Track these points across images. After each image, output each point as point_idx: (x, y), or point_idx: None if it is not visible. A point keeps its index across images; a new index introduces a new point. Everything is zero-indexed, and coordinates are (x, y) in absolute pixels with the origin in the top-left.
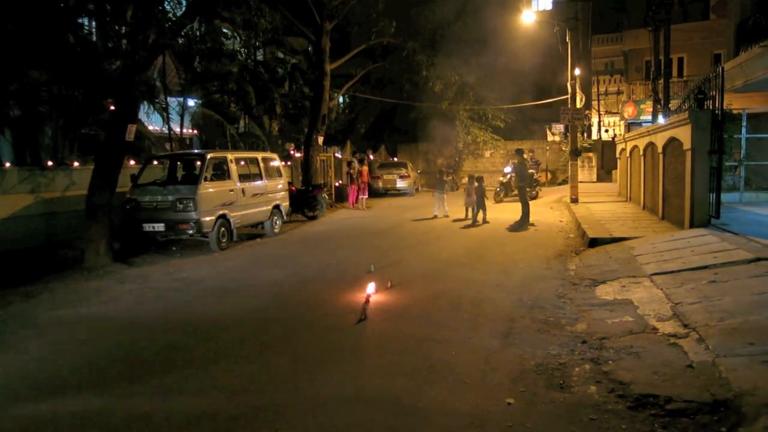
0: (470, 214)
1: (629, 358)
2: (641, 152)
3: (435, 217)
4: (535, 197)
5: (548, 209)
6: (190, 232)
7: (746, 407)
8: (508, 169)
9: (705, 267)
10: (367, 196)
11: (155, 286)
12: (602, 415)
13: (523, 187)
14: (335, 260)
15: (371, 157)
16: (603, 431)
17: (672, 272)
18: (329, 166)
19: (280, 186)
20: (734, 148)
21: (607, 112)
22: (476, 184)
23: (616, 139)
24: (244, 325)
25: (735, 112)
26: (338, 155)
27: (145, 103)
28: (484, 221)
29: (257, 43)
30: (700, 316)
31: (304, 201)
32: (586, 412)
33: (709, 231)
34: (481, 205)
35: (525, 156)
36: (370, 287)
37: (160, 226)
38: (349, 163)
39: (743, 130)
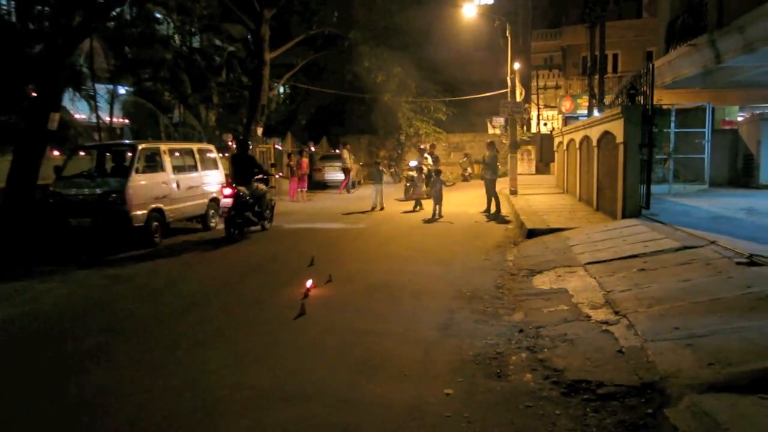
0: (438, 212)
1: (564, 345)
2: (577, 145)
3: (372, 209)
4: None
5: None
6: (121, 227)
7: (671, 389)
8: (413, 163)
9: (635, 256)
10: (306, 189)
11: (81, 284)
12: (537, 401)
13: (493, 181)
14: (273, 253)
15: (312, 148)
16: (538, 417)
17: (605, 261)
18: (269, 157)
19: (217, 178)
20: (664, 141)
21: (546, 106)
22: (432, 177)
23: (554, 132)
24: (178, 323)
25: (665, 107)
26: (278, 147)
27: (71, 90)
28: (439, 215)
29: (193, 29)
30: (630, 303)
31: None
32: (522, 400)
33: (639, 221)
34: (438, 200)
35: (429, 151)
36: (310, 282)
37: (87, 221)
38: (289, 155)
39: (672, 124)
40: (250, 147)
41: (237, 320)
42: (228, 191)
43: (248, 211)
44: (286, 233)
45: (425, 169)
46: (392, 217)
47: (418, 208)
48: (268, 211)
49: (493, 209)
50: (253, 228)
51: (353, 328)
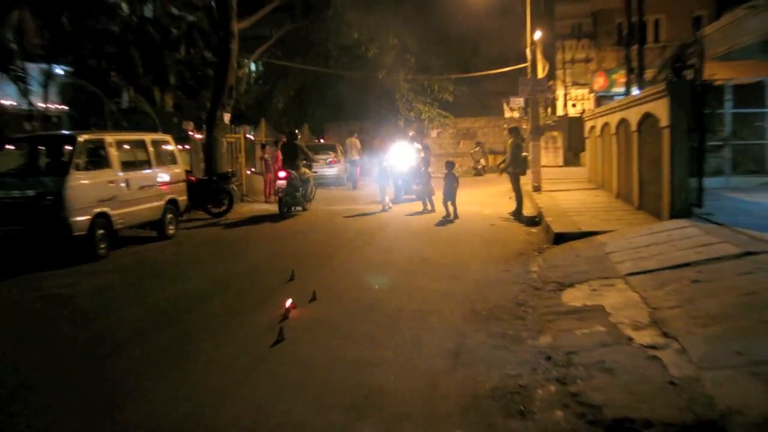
0: (429, 206)
1: (601, 375)
2: (613, 130)
3: (384, 210)
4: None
5: (507, 199)
6: (58, 235)
7: (735, 429)
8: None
9: (687, 264)
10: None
11: (9, 304)
12: None
13: (517, 174)
14: (246, 268)
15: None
16: None
17: (649, 271)
18: (239, 149)
19: (175, 175)
20: (718, 125)
21: (575, 84)
22: (444, 170)
23: (584, 115)
24: (124, 356)
25: (718, 83)
26: (250, 136)
27: None
28: (455, 216)
29: None
30: (682, 323)
31: (207, 194)
32: None
33: (691, 222)
34: (451, 197)
35: (418, 138)
36: (290, 300)
37: (16, 229)
38: (264, 146)
39: (727, 104)
40: (298, 136)
41: (198, 351)
42: (283, 174)
43: (297, 192)
44: (260, 241)
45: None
46: (395, 219)
47: (428, 207)
48: (311, 193)
49: (512, 206)
50: (298, 208)
51: (342, 357)
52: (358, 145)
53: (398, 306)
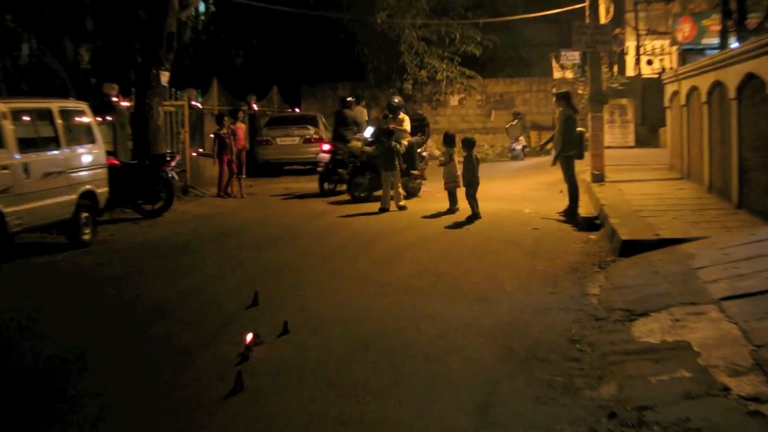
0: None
1: None
2: (703, 98)
3: (382, 210)
4: (417, 189)
5: (556, 192)
6: None
7: None
8: (368, 132)
9: None
10: (245, 176)
11: None
12: None
13: (570, 158)
14: (191, 287)
15: (254, 107)
16: None
17: (753, 294)
18: (181, 123)
19: (93, 158)
20: None
21: (651, 32)
22: (464, 152)
23: (664, 76)
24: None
25: None
26: (197, 104)
27: None
28: (474, 214)
29: None
30: None
31: (138, 185)
32: None
33: None
34: (473, 187)
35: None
36: (251, 334)
37: None
38: (218, 118)
39: None
40: (350, 103)
41: (125, 402)
42: (326, 147)
43: (342, 169)
44: (212, 249)
45: (401, 140)
46: (404, 220)
47: (455, 208)
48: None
49: (562, 202)
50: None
51: (324, 414)
52: (366, 116)
53: (403, 342)
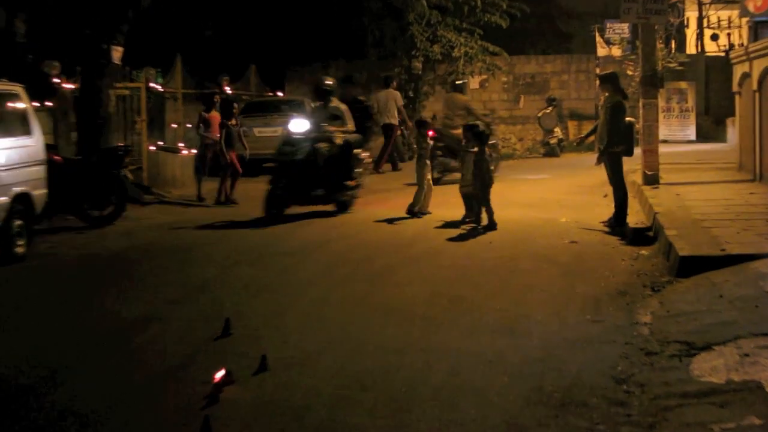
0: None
1: None
2: None
3: (414, 213)
4: (349, 202)
5: (599, 197)
6: None
7: None
8: (296, 124)
9: None
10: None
11: None
12: None
13: (618, 155)
14: (150, 311)
15: (227, 89)
16: None
17: None
18: (137, 109)
19: (28, 153)
20: None
21: (716, 1)
22: (474, 145)
23: (732, 54)
24: None
25: None
26: (156, 86)
27: None
28: (490, 224)
29: None
30: None
31: (84, 186)
32: None
33: None
34: (485, 189)
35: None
36: (222, 371)
37: None
38: (210, 102)
39: None
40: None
41: None
42: (431, 133)
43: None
44: (174, 264)
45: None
46: (412, 230)
47: (469, 220)
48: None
49: (607, 209)
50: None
51: None
52: (400, 101)
53: (409, 382)
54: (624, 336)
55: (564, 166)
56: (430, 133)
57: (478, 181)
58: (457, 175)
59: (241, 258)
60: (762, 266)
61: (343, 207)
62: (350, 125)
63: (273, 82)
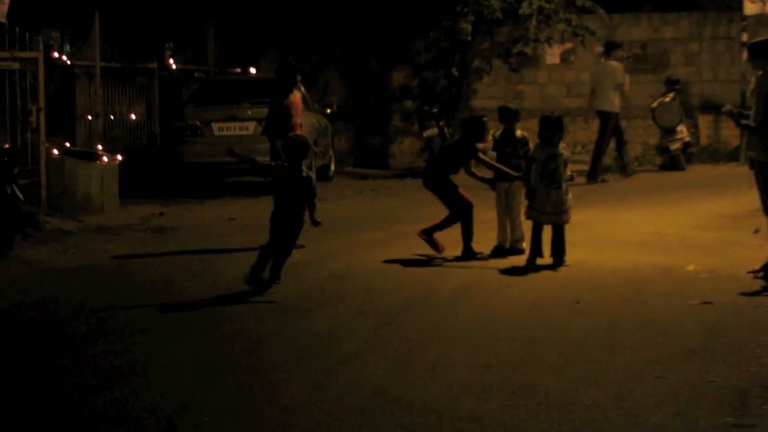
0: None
1: None
2: None
3: (501, 251)
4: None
5: (746, 232)
6: None
7: None
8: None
9: None
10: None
11: None
12: None
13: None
14: (44, 405)
15: (171, 64)
16: None
17: None
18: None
19: None
20: None
21: None
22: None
23: None
24: None
25: None
26: (61, 57)
27: None
28: (531, 263)
29: None
30: None
31: None
32: None
33: None
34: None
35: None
36: None
37: None
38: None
39: None
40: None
41: None
42: None
43: None
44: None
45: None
46: (453, 276)
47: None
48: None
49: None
50: None
51: None
52: (621, 78)
53: None
54: None
55: (692, 185)
56: None
57: (540, 204)
58: None
59: (184, 322)
60: None
61: None
62: None
63: (241, 53)
